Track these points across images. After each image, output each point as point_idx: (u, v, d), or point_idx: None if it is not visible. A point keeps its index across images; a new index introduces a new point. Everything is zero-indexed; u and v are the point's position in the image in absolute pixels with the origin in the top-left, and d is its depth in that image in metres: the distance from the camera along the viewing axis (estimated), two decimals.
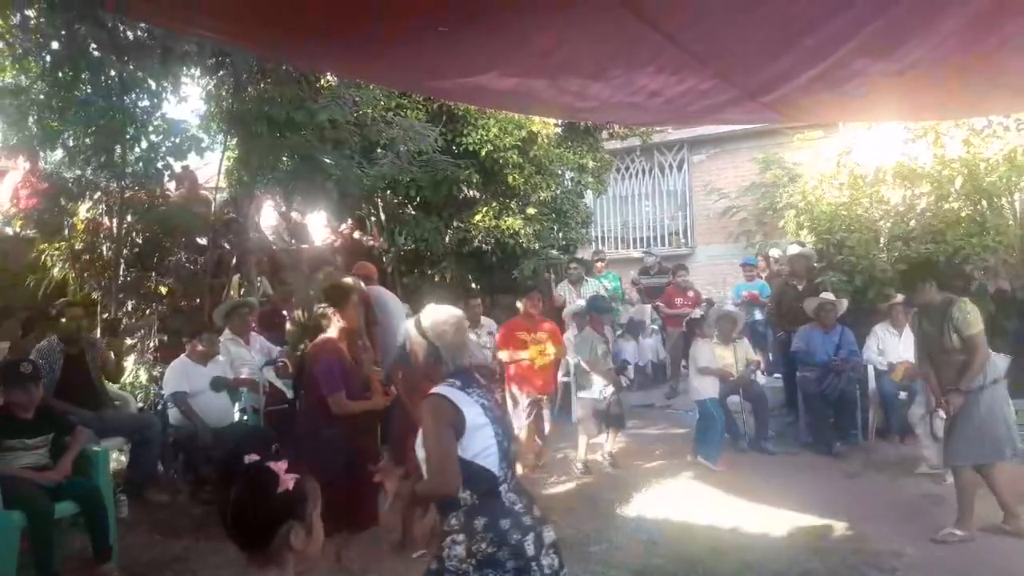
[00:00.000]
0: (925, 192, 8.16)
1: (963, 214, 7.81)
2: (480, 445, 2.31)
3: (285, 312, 6.77)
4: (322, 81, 7.52)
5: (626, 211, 14.82)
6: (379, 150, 8.11)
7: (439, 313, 2.53)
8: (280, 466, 1.55)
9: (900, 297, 6.92)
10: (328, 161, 7.27)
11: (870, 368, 6.81)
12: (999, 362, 4.78)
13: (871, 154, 8.15)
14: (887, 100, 3.93)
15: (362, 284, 6.05)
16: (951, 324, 4.49)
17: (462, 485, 2.27)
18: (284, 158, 7.52)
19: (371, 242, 9.61)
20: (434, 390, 2.36)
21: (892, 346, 6.77)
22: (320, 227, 10.29)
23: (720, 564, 4.18)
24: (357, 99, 7.45)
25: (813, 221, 8.85)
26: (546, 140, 9.04)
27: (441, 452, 2.26)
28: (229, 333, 6.05)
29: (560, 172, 9.84)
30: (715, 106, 3.88)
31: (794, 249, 7.83)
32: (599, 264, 10.01)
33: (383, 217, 9.41)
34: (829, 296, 6.95)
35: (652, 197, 14.61)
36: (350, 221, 9.75)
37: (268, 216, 9.84)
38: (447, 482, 2.25)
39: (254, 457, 1.58)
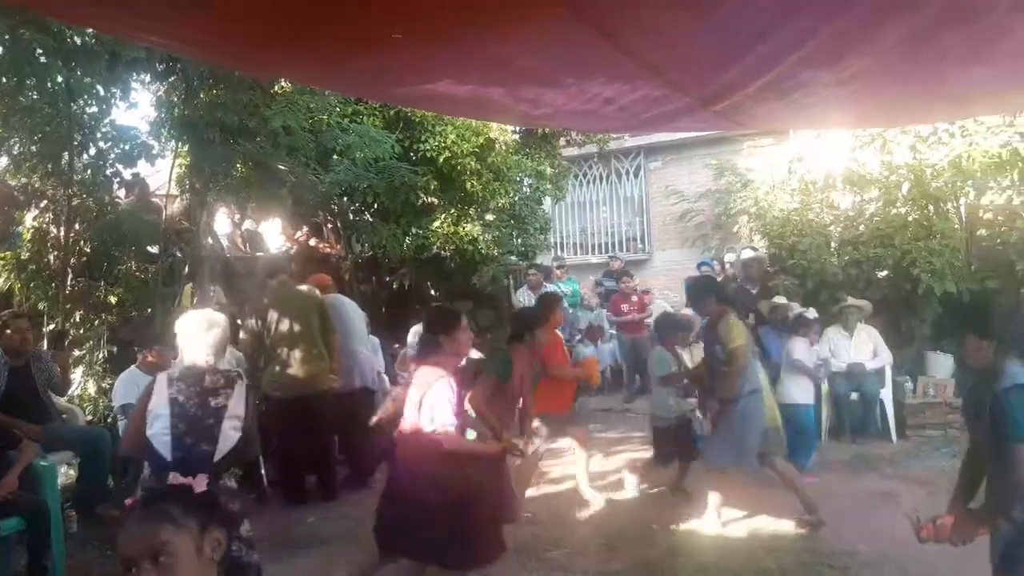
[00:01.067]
0: (874, 197, 8.38)
1: (910, 219, 8.03)
2: (156, 429, 2.96)
3: (239, 321, 6.67)
4: (276, 87, 7.44)
5: (584, 217, 14.94)
6: (335, 157, 8.04)
7: (186, 315, 3.26)
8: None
9: (851, 300, 7.11)
10: (282, 168, 7.19)
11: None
12: (760, 372, 5.01)
13: (821, 161, 8.34)
14: (834, 108, 4.03)
15: (317, 292, 6.00)
16: (719, 337, 4.76)
17: (146, 456, 3.01)
18: (238, 165, 7.41)
19: (328, 249, 9.52)
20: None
21: (843, 348, 6.94)
22: (275, 234, 10.16)
23: (677, 566, 4.23)
24: (312, 105, 7.38)
25: (766, 226, 9.03)
26: (504, 147, 9.07)
27: (133, 415, 3.16)
28: None
29: (518, 179, 9.88)
30: (668, 114, 3.93)
31: (747, 254, 7.96)
32: (558, 270, 10.06)
33: (340, 224, 9.33)
34: (782, 299, 7.08)
35: (610, 203, 14.75)
36: (306, 228, 9.65)
37: (222, 224, 9.67)
38: (127, 437, 3.21)
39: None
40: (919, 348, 7.65)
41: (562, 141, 11.25)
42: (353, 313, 6.40)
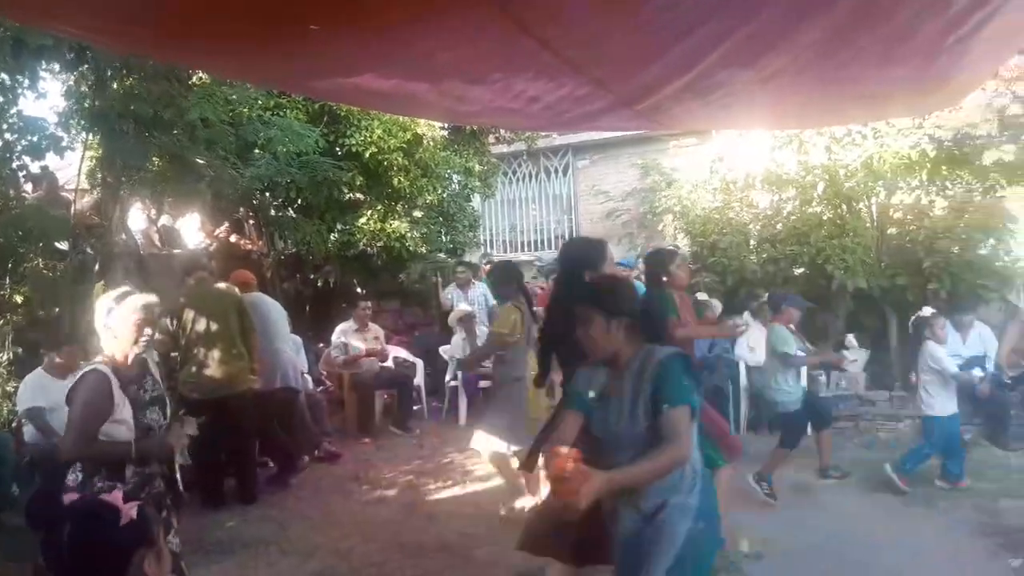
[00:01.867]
0: (791, 196, 8.67)
1: (825, 217, 8.34)
2: None
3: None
4: (195, 78, 7.19)
5: (514, 215, 14.96)
6: (256, 151, 7.82)
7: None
8: (116, 496, 1.49)
9: (767, 296, 7.33)
10: (200, 162, 6.95)
11: (741, 364, 7.16)
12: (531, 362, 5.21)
13: (741, 161, 8.58)
14: (752, 109, 4.13)
15: (236, 291, 5.84)
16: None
17: None
18: (154, 158, 7.13)
19: (249, 246, 9.28)
20: None
21: (761, 343, 7.13)
22: (194, 231, 9.83)
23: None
24: (233, 97, 7.16)
25: (689, 224, 9.24)
26: (432, 143, 9.00)
27: None
28: None
29: (447, 175, 9.82)
30: (592, 113, 3.96)
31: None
32: (487, 267, 10.04)
33: (262, 220, 9.10)
34: (703, 296, 7.27)
35: (539, 201, 14.81)
36: (227, 224, 9.37)
37: (136, 219, 9.32)
38: None
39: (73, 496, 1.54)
40: (833, 342, 7.95)
41: (491, 138, 11.24)
42: (275, 311, 6.26)
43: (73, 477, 2.87)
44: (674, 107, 3.75)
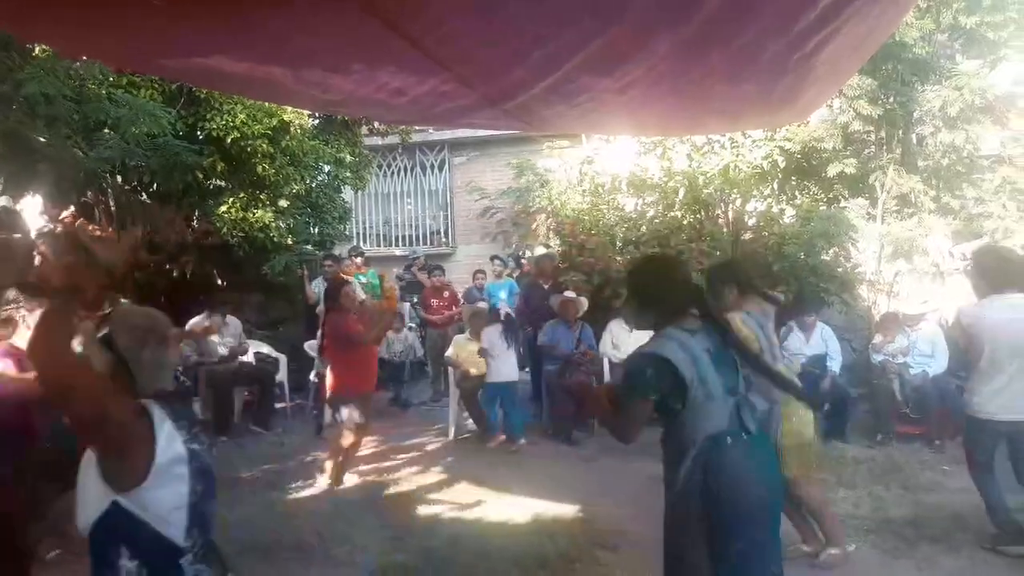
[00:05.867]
0: (654, 201, 9.01)
1: (685, 222, 8.72)
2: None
3: None
4: (38, 50, 6.59)
5: (388, 209, 14.78)
6: (105, 131, 7.27)
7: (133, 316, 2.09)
8: None
9: None
10: (42, 140, 6.39)
11: (606, 361, 7.37)
12: None
13: (609, 164, 8.84)
14: (614, 115, 4.25)
15: None
16: None
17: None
18: None
19: (99, 232, 8.65)
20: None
21: (624, 340, 7.38)
22: (37, 214, 9.07)
23: (459, 554, 4.30)
24: (81, 72, 6.62)
25: (559, 224, 9.42)
26: (300, 130, 8.68)
27: None
28: None
29: (316, 165, 9.51)
30: (460, 109, 3.94)
31: (540, 250, 8.30)
32: (356, 260, 9.82)
33: (113, 205, 8.50)
34: (571, 294, 7.44)
35: (414, 195, 14.71)
36: (73, 208, 8.69)
37: None
38: None
39: None
40: None
41: (364, 130, 10.98)
42: None
43: None
44: (541, 109, 3.80)
